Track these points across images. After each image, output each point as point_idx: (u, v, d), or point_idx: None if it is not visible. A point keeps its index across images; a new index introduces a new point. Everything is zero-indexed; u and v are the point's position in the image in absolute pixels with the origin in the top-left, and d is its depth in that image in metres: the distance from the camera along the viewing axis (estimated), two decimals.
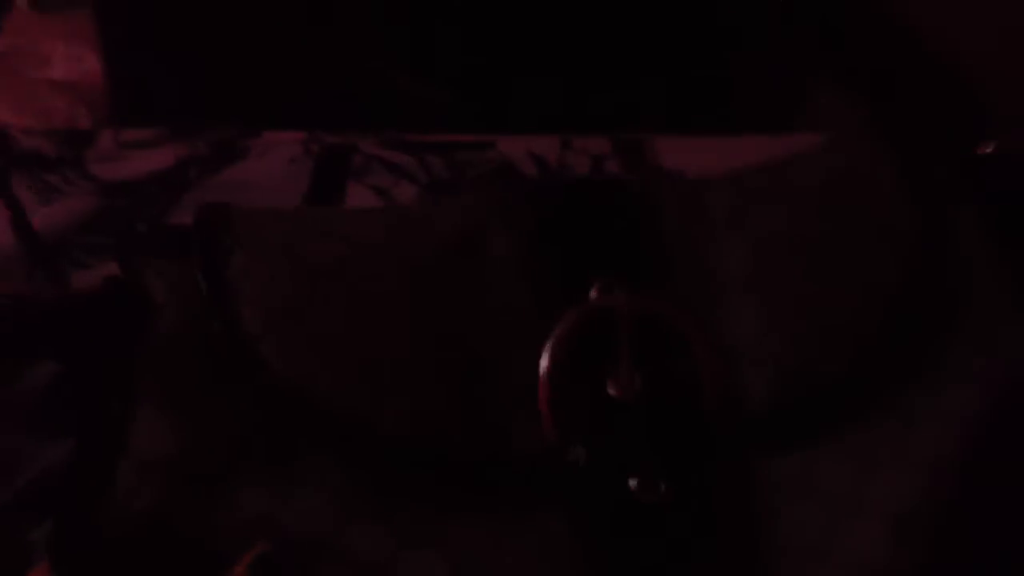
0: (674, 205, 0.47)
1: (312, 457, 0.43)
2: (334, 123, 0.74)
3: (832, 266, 0.45)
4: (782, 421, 0.43)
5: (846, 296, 0.44)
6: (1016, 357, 0.43)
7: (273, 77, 0.75)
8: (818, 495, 0.42)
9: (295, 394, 0.43)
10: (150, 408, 0.43)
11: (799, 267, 0.45)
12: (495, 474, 0.44)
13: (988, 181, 0.46)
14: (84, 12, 0.74)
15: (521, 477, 0.44)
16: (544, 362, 0.44)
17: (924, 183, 0.46)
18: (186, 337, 0.44)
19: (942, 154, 0.48)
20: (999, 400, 0.42)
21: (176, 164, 0.72)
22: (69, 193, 0.69)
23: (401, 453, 0.43)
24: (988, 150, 0.48)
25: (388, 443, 0.43)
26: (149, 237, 0.51)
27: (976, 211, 0.46)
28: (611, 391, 0.44)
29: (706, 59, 0.75)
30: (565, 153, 0.69)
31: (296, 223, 0.47)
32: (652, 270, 0.46)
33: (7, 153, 0.71)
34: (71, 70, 0.72)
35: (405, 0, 0.78)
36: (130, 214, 0.68)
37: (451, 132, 0.72)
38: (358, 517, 0.43)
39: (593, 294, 0.45)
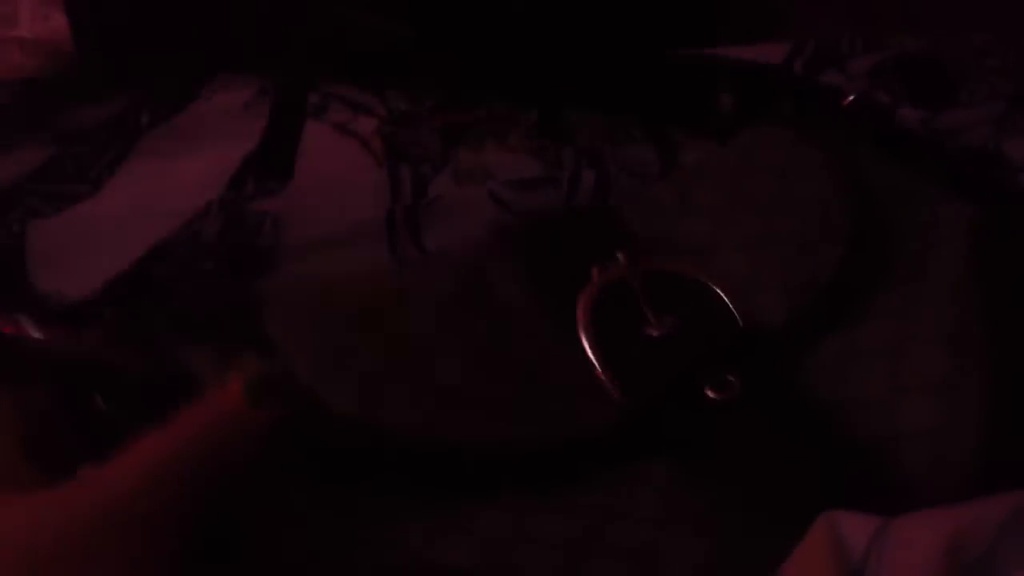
0: (633, 210, 0.53)
1: (386, 493, 0.44)
2: (290, 63, 0.74)
3: (781, 210, 0.51)
4: (802, 326, 0.48)
5: (804, 225, 0.50)
6: (960, 223, 0.50)
7: (234, 22, 0.74)
8: (864, 363, 0.46)
9: (360, 432, 0.44)
10: None
11: (752, 221, 0.51)
12: (575, 458, 0.45)
13: (863, 121, 0.58)
14: None
15: (601, 449, 0.45)
16: (584, 339, 0.47)
17: (827, 136, 0.54)
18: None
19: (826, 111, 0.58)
20: (975, 256, 0.49)
21: (127, 110, 0.72)
22: (22, 143, 0.69)
23: (475, 463, 0.44)
24: (851, 99, 0.59)
25: (459, 457, 0.44)
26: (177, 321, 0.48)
27: (868, 144, 0.55)
28: (651, 332, 0.47)
29: None
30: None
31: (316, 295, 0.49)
32: (636, 253, 0.50)
33: None
34: (39, 28, 0.72)
35: None
36: (83, 162, 0.68)
37: (413, 68, 0.72)
38: (442, 532, 0.43)
39: (594, 275, 0.49)
